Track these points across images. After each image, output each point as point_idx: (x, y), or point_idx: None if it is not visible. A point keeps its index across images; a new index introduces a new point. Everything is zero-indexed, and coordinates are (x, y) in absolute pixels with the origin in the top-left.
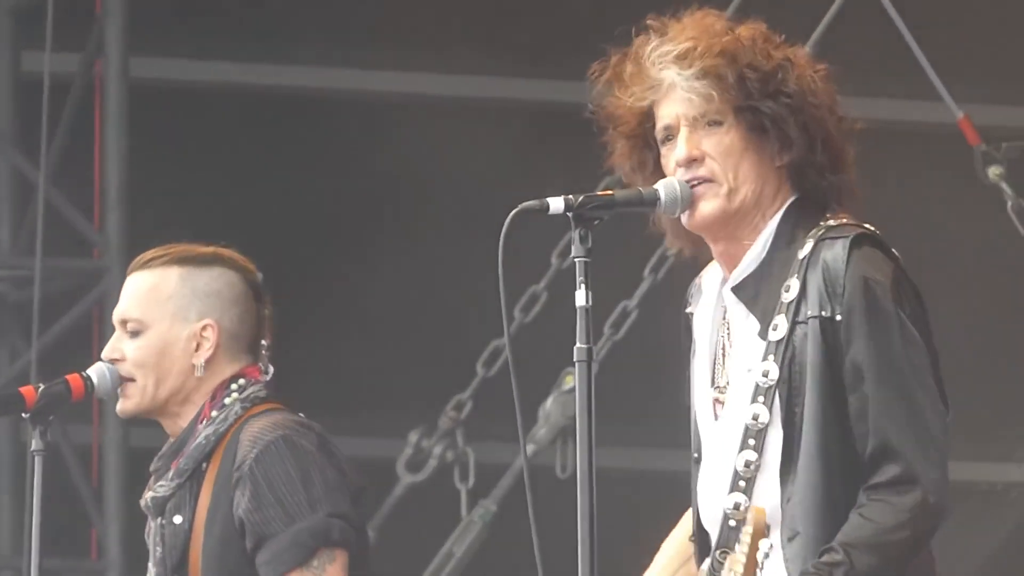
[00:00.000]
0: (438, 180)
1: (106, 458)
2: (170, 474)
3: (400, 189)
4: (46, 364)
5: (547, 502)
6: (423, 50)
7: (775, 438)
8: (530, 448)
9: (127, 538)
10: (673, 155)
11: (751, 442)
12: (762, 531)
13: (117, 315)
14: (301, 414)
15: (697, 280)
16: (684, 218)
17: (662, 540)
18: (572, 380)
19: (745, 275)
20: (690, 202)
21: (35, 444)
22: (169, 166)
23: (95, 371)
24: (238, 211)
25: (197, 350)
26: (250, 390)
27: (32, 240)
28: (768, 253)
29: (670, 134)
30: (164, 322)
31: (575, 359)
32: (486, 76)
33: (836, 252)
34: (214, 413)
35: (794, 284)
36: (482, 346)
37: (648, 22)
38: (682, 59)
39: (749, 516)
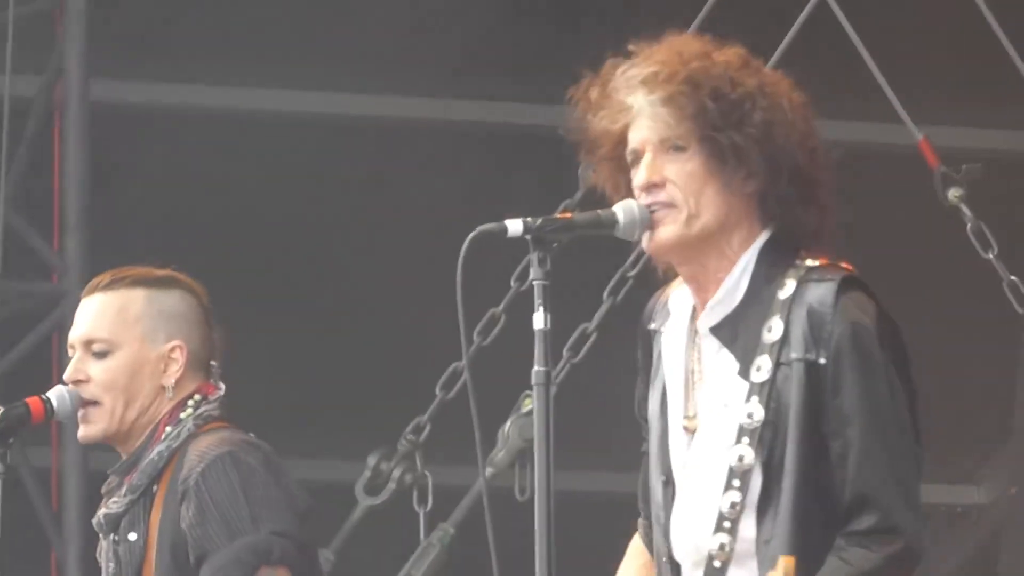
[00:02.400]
0: (399, 201)
1: (65, 481)
2: (123, 490)
3: (360, 209)
4: (5, 387)
5: (506, 525)
6: (381, 72)
7: (757, 479)
8: (489, 471)
9: (87, 560)
10: (636, 180)
11: (736, 483)
12: None
13: (80, 336)
14: (251, 434)
15: (662, 297)
16: (644, 242)
17: (617, 562)
18: (531, 403)
19: (723, 316)
20: (649, 226)
21: None
22: (129, 189)
23: (55, 394)
24: (198, 233)
25: (165, 371)
26: (204, 408)
27: None
28: (746, 294)
29: (636, 158)
30: (134, 343)
31: (533, 382)
32: (450, 99)
33: (822, 295)
34: (168, 429)
35: (776, 325)
36: (441, 369)
37: (630, 48)
38: (647, 84)
39: (780, 565)
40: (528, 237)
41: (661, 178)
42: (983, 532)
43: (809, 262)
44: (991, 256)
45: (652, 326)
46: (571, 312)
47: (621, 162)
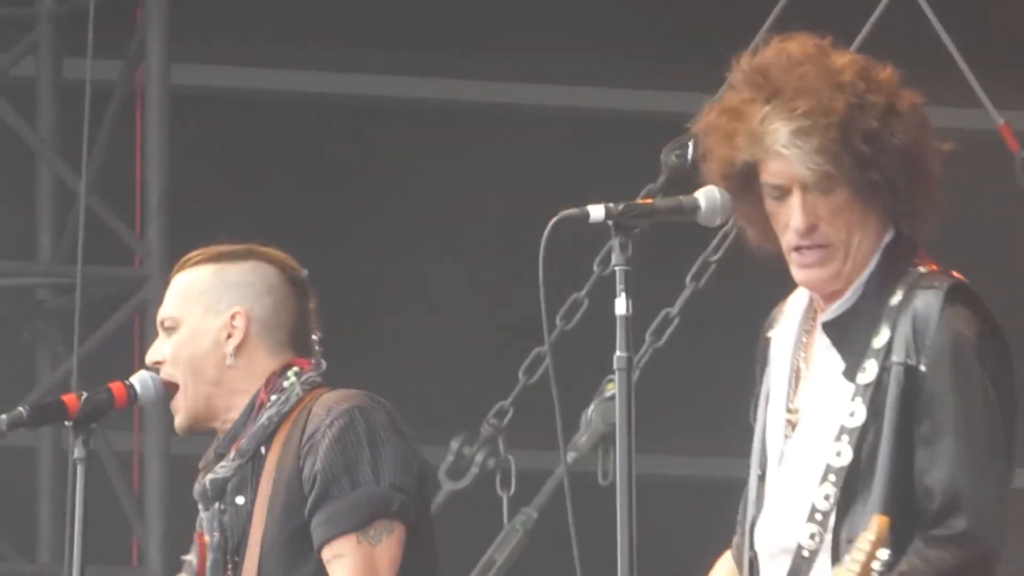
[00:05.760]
0: (482, 188)
1: (147, 465)
2: (231, 455)
3: (444, 196)
4: (87, 372)
5: (588, 509)
6: (462, 56)
7: (851, 477)
8: (571, 455)
9: (168, 545)
10: (791, 222)
11: (832, 478)
12: (884, 540)
13: (158, 319)
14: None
15: (782, 306)
16: (794, 274)
17: (702, 546)
18: (613, 387)
19: (838, 313)
20: (798, 264)
21: (77, 452)
22: (210, 173)
23: (138, 379)
24: (280, 218)
25: (229, 339)
26: (307, 375)
27: (73, 248)
28: (861, 297)
29: (782, 193)
30: (196, 316)
31: (615, 367)
32: (524, 83)
33: (929, 301)
34: (273, 397)
35: (884, 331)
36: (524, 353)
37: (741, 64)
38: (799, 134)
39: (873, 524)
40: (610, 223)
41: (816, 219)
42: None
43: (921, 269)
44: None
45: (768, 334)
46: (654, 297)
47: (734, 183)
